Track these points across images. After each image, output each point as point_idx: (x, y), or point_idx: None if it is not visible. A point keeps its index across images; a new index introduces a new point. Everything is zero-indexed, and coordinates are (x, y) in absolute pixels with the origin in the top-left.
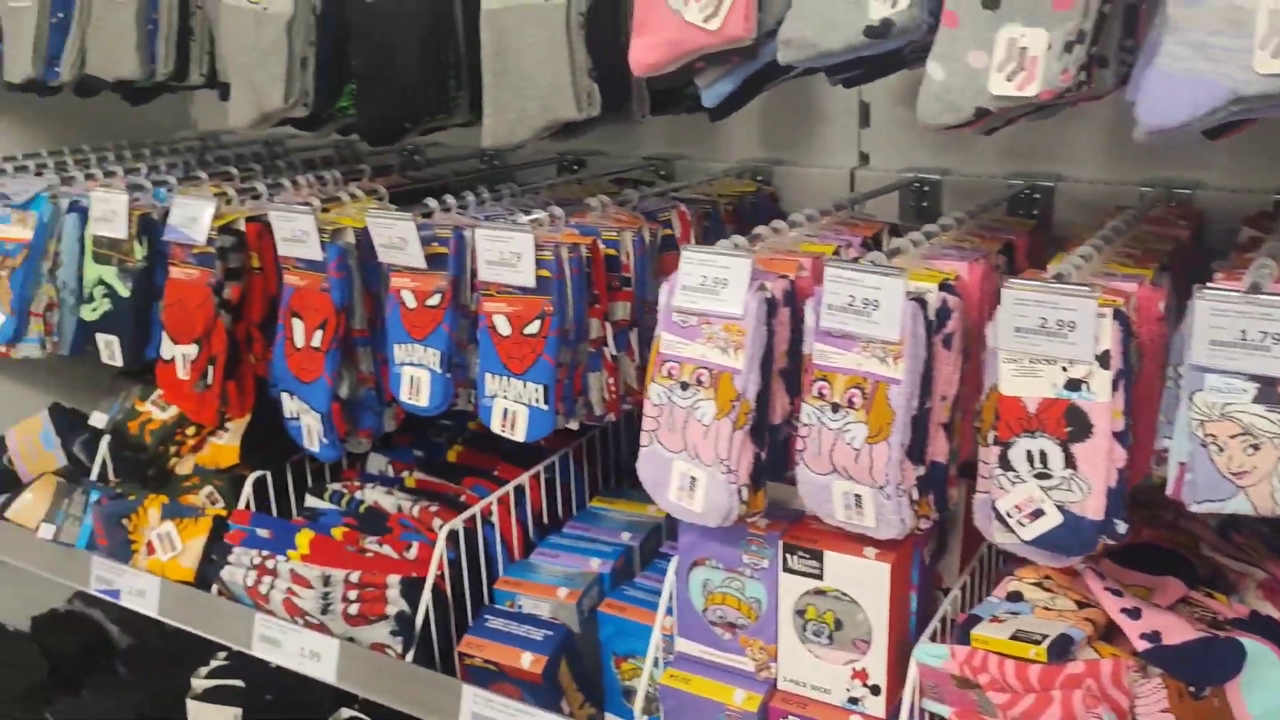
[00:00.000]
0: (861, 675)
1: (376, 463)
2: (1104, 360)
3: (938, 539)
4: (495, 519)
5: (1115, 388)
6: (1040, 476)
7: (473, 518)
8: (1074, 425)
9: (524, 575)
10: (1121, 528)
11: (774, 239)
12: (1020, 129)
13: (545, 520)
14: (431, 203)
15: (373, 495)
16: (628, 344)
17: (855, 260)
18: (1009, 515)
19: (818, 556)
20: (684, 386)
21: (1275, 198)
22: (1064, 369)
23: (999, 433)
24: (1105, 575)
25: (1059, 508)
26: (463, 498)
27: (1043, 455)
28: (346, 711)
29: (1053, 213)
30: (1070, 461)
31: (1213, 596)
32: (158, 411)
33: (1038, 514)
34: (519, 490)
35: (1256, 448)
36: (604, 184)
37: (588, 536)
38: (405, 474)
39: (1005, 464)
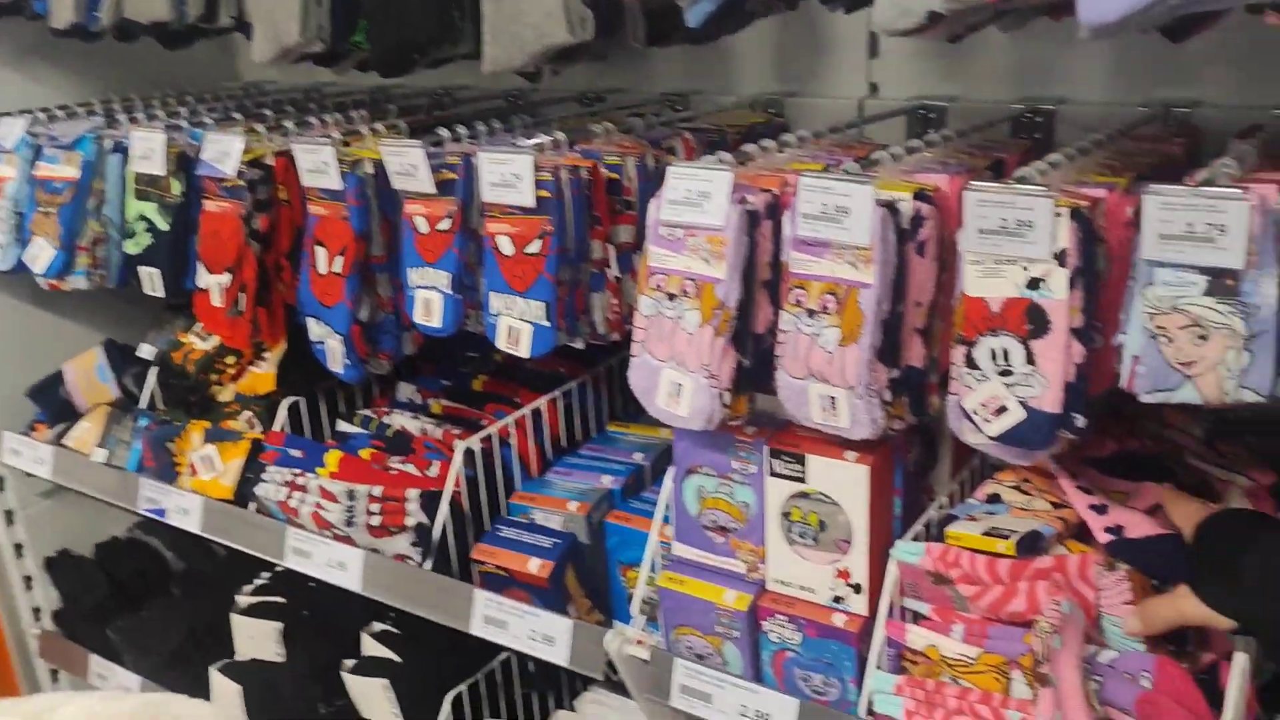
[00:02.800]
0: (844, 574)
1: (405, 391)
2: (1061, 259)
3: (925, 449)
4: (513, 441)
5: (1073, 286)
6: (1003, 373)
7: (489, 438)
8: (1034, 322)
9: (538, 490)
10: (1079, 421)
11: (767, 159)
12: (1026, 53)
13: (564, 444)
14: (442, 132)
15: (400, 420)
16: (631, 266)
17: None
18: (975, 413)
19: (801, 460)
20: (671, 297)
21: (1275, 113)
22: (1024, 268)
23: (965, 332)
24: (1079, 476)
25: (1021, 403)
26: (484, 422)
27: (1005, 353)
28: (378, 625)
29: (1055, 135)
30: (1030, 358)
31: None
32: (199, 342)
33: (1001, 410)
34: (536, 414)
35: (1204, 338)
36: (618, 117)
37: (602, 457)
38: (432, 401)
39: (971, 363)
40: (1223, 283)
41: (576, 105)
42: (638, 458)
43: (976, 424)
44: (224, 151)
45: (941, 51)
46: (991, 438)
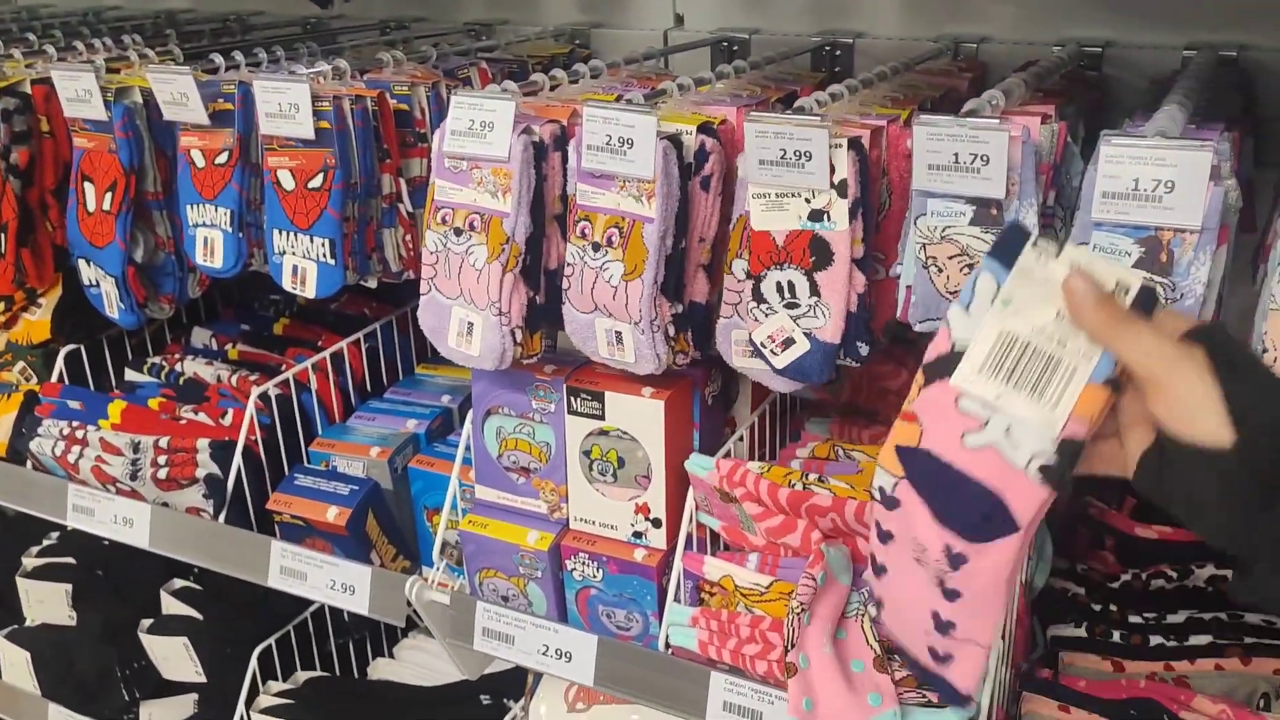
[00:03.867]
0: (644, 509)
1: (200, 336)
2: (842, 189)
3: (724, 383)
4: (314, 385)
5: (854, 216)
6: (790, 306)
7: (287, 383)
8: (817, 255)
9: (339, 436)
10: (863, 350)
11: (560, 90)
12: None
13: (370, 389)
14: (217, 59)
15: (193, 367)
16: (425, 201)
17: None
18: (763, 346)
19: (599, 398)
20: (458, 233)
21: (1053, 49)
22: (807, 200)
23: (751, 266)
24: None
25: (806, 334)
26: (284, 367)
27: (791, 286)
28: (179, 581)
29: (853, 69)
30: (815, 290)
31: None
32: None
33: (789, 343)
34: (338, 357)
35: (971, 267)
36: (412, 46)
37: (408, 400)
38: (229, 346)
39: (758, 297)
40: (987, 212)
41: (377, 34)
42: (445, 400)
43: (765, 356)
44: None
45: None
46: (778, 370)
